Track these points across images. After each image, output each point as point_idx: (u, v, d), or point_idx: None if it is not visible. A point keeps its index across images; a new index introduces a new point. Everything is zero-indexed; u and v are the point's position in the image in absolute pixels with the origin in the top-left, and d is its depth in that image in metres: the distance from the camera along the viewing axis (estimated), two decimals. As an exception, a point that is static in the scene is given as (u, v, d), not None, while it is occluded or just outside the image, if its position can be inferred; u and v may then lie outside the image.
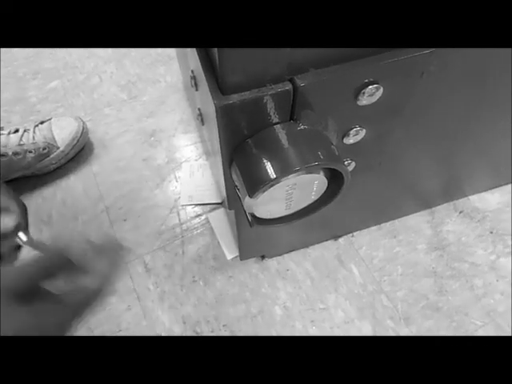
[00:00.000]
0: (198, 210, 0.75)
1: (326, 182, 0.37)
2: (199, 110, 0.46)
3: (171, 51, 0.97)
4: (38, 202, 0.77)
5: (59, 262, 0.33)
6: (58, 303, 0.31)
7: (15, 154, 0.72)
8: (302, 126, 0.34)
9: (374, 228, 0.73)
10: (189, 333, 0.64)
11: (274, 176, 0.32)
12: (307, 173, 0.34)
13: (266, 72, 0.30)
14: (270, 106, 0.32)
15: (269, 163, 0.32)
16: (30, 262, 0.31)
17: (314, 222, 0.63)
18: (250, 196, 0.33)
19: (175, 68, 0.94)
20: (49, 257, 0.32)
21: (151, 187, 0.78)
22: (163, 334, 0.64)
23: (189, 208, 0.76)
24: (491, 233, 0.72)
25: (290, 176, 0.32)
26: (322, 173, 0.35)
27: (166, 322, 0.65)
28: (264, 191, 0.33)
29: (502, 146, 0.62)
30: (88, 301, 0.34)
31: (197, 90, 0.42)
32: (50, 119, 0.78)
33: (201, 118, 0.47)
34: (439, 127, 0.49)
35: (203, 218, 0.74)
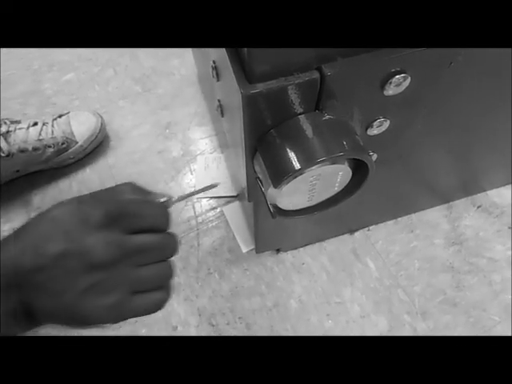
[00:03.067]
0: (213, 202, 0.75)
1: (350, 173, 0.36)
2: (219, 101, 0.46)
3: (185, 44, 0.97)
4: (55, 194, 0.78)
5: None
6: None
7: (35, 149, 0.72)
8: (327, 116, 0.33)
9: (390, 222, 0.72)
10: (204, 325, 0.64)
11: (299, 167, 0.31)
12: (332, 163, 0.33)
13: (293, 61, 0.29)
14: (296, 96, 0.31)
15: (293, 154, 0.32)
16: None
17: (330, 216, 0.62)
18: (275, 187, 0.33)
19: (189, 61, 0.94)
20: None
21: (166, 180, 0.78)
22: (179, 326, 0.64)
23: (204, 201, 0.76)
24: (509, 228, 0.71)
25: (314, 166, 0.32)
26: (346, 164, 0.35)
27: (181, 314, 0.65)
28: (288, 182, 0.33)
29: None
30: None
31: (218, 80, 0.41)
32: (67, 113, 0.78)
33: (221, 110, 0.46)
34: (461, 120, 0.48)
35: (218, 210, 0.74)
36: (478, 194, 0.75)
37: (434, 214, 0.73)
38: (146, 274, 0.30)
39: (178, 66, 0.95)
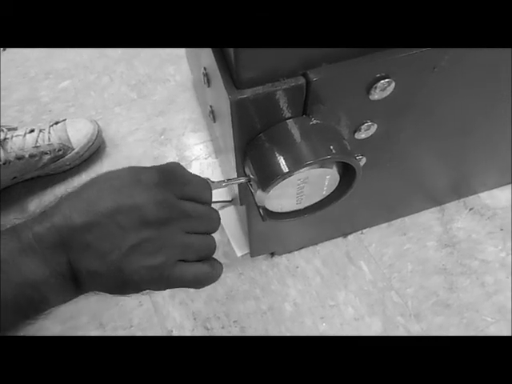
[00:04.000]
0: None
1: (337, 177, 0.37)
2: (211, 106, 0.47)
3: (180, 51, 0.98)
4: (50, 200, 0.78)
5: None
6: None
7: (31, 156, 0.73)
8: (315, 121, 0.34)
9: (383, 225, 0.73)
10: (199, 328, 0.64)
11: (287, 170, 0.32)
12: (319, 167, 0.34)
13: (279, 67, 0.30)
14: (283, 101, 0.32)
15: (281, 157, 0.33)
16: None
17: (324, 219, 0.63)
18: (263, 189, 0.34)
19: (184, 67, 0.95)
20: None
21: (161, 185, 0.79)
22: (174, 330, 0.64)
23: (199, 206, 0.76)
24: (501, 230, 0.72)
25: (301, 170, 0.33)
26: (334, 167, 0.36)
27: (176, 318, 0.65)
28: (276, 184, 0.33)
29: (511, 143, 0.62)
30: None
31: (209, 86, 0.42)
32: (64, 120, 0.79)
33: (212, 115, 0.47)
34: (449, 123, 0.49)
35: (213, 215, 0.75)
36: (470, 197, 0.76)
37: (427, 217, 0.74)
38: (193, 241, 0.30)
39: (173, 73, 0.96)
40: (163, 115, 0.89)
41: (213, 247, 0.33)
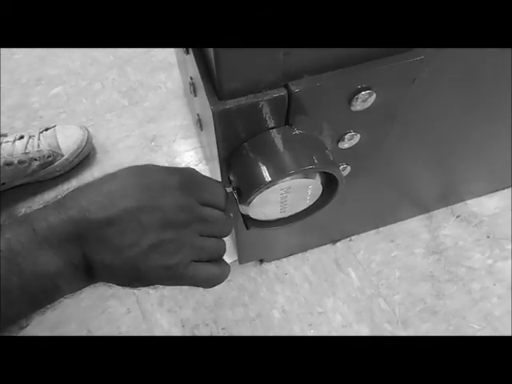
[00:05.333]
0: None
1: (320, 187, 0.38)
2: (198, 115, 0.47)
3: (172, 58, 0.99)
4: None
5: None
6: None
7: (21, 162, 0.73)
8: (297, 131, 0.35)
9: (371, 232, 0.74)
10: (187, 335, 0.64)
11: (269, 179, 0.33)
12: (302, 177, 0.35)
13: (261, 78, 0.31)
14: (266, 111, 0.32)
15: (264, 167, 0.33)
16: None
17: (312, 227, 0.64)
18: (246, 198, 0.34)
19: (176, 75, 0.95)
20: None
21: (152, 192, 0.79)
22: (162, 337, 0.64)
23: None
24: (488, 237, 0.73)
25: (284, 179, 0.33)
26: (316, 177, 0.36)
27: (164, 325, 0.65)
28: (259, 194, 0.34)
29: (497, 151, 0.63)
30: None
31: (195, 96, 0.43)
32: (54, 126, 0.79)
33: (200, 124, 0.48)
34: (433, 132, 0.50)
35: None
36: (458, 204, 0.77)
37: (415, 224, 0.75)
38: (207, 244, 0.32)
39: (164, 80, 0.96)
40: (154, 122, 0.89)
41: (223, 250, 0.35)
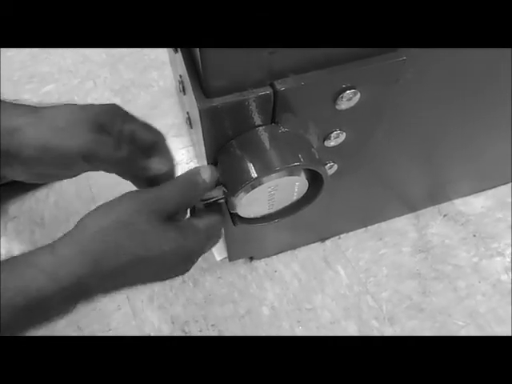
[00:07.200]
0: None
1: (306, 183, 0.38)
2: (188, 113, 0.48)
3: (164, 57, 0.99)
4: (31, 203, 0.78)
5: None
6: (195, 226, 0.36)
7: None
8: (283, 129, 0.36)
9: (360, 230, 0.75)
10: (177, 332, 0.65)
11: (255, 175, 0.33)
12: (288, 174, 0.35)
13: (247, 76, 0.31)
14: (252, 109, 0.33)
15: (250, 163, 0.34)
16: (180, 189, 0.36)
17: (301, 225, 0.64)
18: (233, 195, 0.35)
19: (168, 73, 0.96)
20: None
21: (143, 189, 0.80)
22: (152, 334, 0.65)
23: (179, 210, 0.77)
24: (474, 236, 0.74)
25: (270, 176, 0.34)
26: (302, 174, 0.37)
27: (154, 322, 0.66)
28: (246, 191, 0.34)
29: (482, 150, 0.64)
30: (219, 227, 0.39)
31: (185, 94, 0.43)
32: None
33: (189, 122, 0.48)
34: (419, 131, 0.51)
35: (193, 220, 0.76)
36: (445, 203, 0.78)
37: (403, 222, 0.76)
38: (207, 249, 0.38)
39: (156, 79, 0.96)
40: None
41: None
